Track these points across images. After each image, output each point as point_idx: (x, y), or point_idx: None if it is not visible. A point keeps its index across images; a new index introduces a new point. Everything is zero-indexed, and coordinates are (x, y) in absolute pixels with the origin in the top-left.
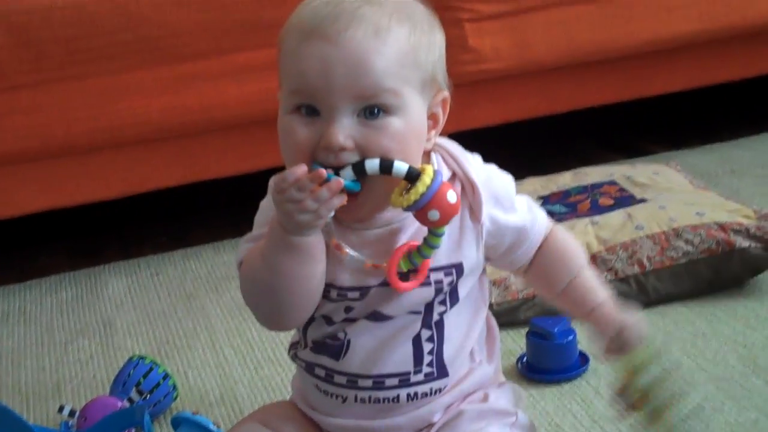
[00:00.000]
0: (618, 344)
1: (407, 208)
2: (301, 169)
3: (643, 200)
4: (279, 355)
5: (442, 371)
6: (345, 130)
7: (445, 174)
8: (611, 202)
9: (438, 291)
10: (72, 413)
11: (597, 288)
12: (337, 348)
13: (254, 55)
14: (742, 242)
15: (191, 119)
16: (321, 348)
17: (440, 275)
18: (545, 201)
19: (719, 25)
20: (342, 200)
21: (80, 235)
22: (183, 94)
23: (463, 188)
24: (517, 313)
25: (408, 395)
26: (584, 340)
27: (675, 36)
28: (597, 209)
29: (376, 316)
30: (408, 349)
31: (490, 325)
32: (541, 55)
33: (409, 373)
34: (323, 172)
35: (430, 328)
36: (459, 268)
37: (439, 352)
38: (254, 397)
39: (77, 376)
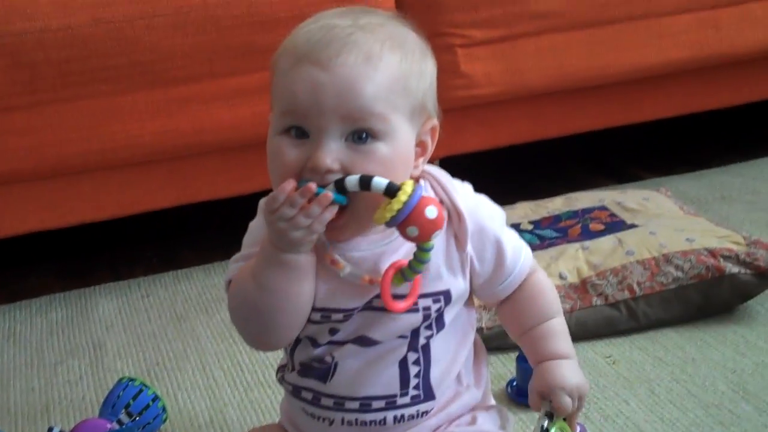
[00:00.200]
0: (540, 406)
1: (387, 224)
2: (290, 185)
3: (633, 226)
4: (269, 377)
5: (428, 394)
6: (332, 153)
7: None
8: (602, 227)
9: (426, 317)
10: None
11: (558, 342)
12: (324, 371)
13: (246, 79)
14: (732, 268)
15: (183, 142)
16: (308, 371)
17: (428, 302)
18: (536, 226)
19: (709, 52)
20: (332, 213)
21: (71, 256)
22: (175, 117)
23: (449, 216)
24: (507, 338)
25: (395, 417)
26: None
27: (665, 63)
28: (587, 234)
29: (364, 341)
30: (395, 371)
31: (478, 349)
32: (533, 81)
33: (395, 396)
34: (313, 186)
35: (416, 351)
36: (447, 295)
37: (425, 375)
38: (244, 420)
39: (66, 398)
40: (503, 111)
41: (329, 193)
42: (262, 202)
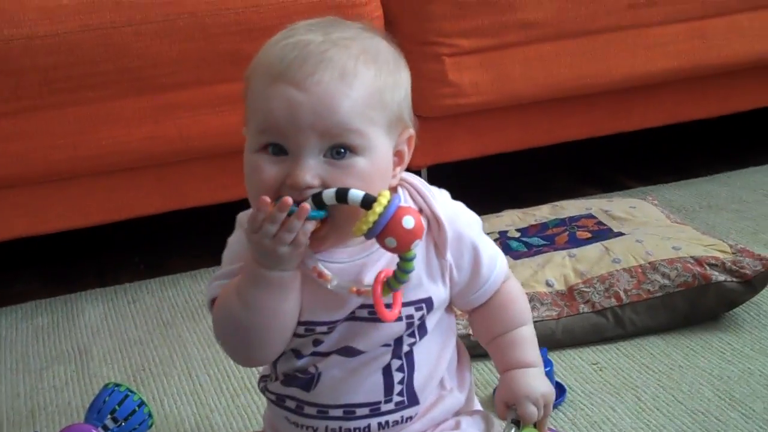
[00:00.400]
0: (505, 415)
1: (365, 236)
2: (266, 201)
3: (620, 234)
4: (255, 383)
5: (412, 399)
6: (312, 170)
7: None
8: (589, 235)
9: (409, 325)
10: None
11: (524, 350)
12: (307, 380)
13: (234, 86)
14: (719, 276)
15: (171, 148)
16: (291, 380)
17: (411, 310)
18: (523, 233)
19: (696, 62)
20: (314, 224)
21: (57, 262)
22: (163, 124)
23: (428, 224)
24: None
25: (379, 424)
26: (560, 371)
27: (653, 73)
28: (574, 242)
29: (348, 351)
30: (378, 378)
31: (461, 354)
32: (520, 90)
33: (379, 403)
34: (289, 199)
35: (400, 358)
36: (429, 303)
37: (409, 381)
38: (230, 426)
39: (52, 403)
40: (491, 120)
41: (306, 205)
42: (240, 216)
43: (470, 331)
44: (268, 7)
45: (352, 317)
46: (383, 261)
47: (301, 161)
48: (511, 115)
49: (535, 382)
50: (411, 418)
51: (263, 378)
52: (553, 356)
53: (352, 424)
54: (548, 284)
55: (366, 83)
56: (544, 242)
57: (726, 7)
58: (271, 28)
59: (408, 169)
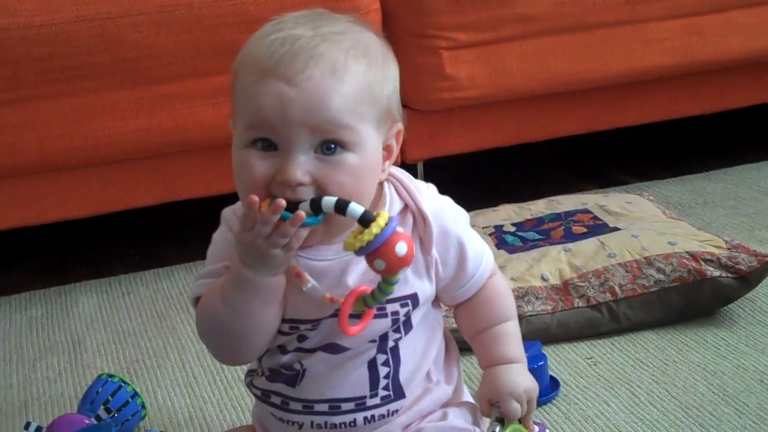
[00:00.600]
0: (489, 412)
1: (356, 253)
2: (254, 200)
3: (616, 229)
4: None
5: (398, 393)
6: (302, 166)
7: (397, 206)
8: (584, 230)
9: (394, 322)
10: (38, 430)
11: (508, 346)
12: (292, 376)
13: (230, 78)
14: (714, 272)
15: (166, 140)
16: (276, 376)
17: (396, 306)
18: (519, 227)
19: (693, 58)
20: (307, 231)
21: (51, 253)
22: (158, 115)
23: (414, 220)
24: None
25: (365, 418)
26: (554, 365)
27: (649, 68)
28: (570, 237)
29: (334, 348)
30: (364, 373)
31: (449, 347)
32: (517, 84)
33: (365, 397)
34: (282, 201)
35: (385, 353)
36: (414, 299)
37: (395, 376)
38: (223, 418)
39: (45, 394)
40: (488, 114)
41: (302, 213)
42: (224, 212)
43: None
44: None
45: (336, 314)
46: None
47: (292, 157)
48: (508, 109)
49: (518, 378)
50: (397, 411)
51: (250, 373)
52: (547, 350)
53: (338, 419)
54: (543, 278)
55: (356, 78)
56: (540, 237)
57: (722, 3)
58: (267, 19)
59: (404, 163)
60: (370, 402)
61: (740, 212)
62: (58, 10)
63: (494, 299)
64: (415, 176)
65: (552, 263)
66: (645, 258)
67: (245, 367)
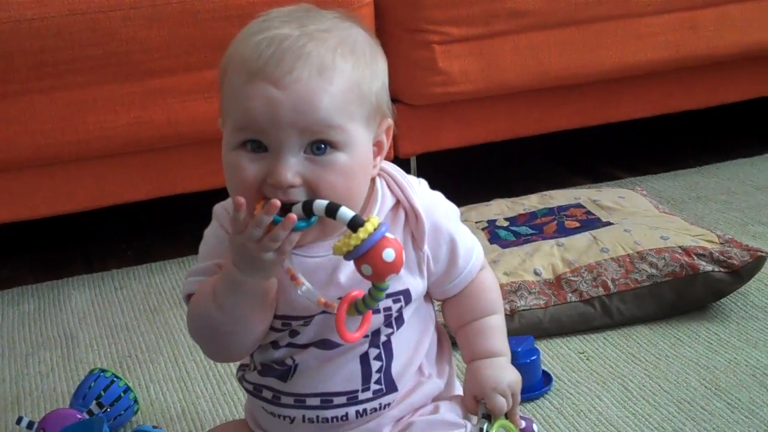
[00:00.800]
0: (476, 409)
1: (344, 257)
2: (241, 201)
3: (608, 223)
4: None
5: (390, 387)
6: (293, 168)
7: (389, 201)
8: (577, 224)
9: (387, 317)
10: (30, 425)
11: (492, 339)
12: (283, 371)
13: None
14: (706, 266)
15: (159, 134)
16: (268, 371)
17: (389, 303)
18: (512, 222)
19: (686, 53)
20: (299, 235)
21: (44, 247)
22: (150, 110)
23: (406, 216)
24: None
25: (357, 412)
26: (547, 359)
27: (643, 63)
28: (563, 231)
29: (326, 344)
30: (356, 367)
31: (441, 340)
32: (510, 79)
33: (357, 391)
34: (277, 202)
35: (378, 347)
36: (406, 295)
37: (387, 370)
38: (216, 412)
39: (37, 389)
40: (480, 108)
41: (293, 216)
42: (216, 208)
43: None
44: None
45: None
46: None
47: (282, 159)
48: (501, 104)
49: (502, 373)
50: (389, 405)
51: (242, 367)
52: (540, 345)
53: (330, 413)
54: (536, 273)
55: (344, 77)
56: (533, 231)
57: None
58: (259, 13)
59: (397, 158)
60: (362, 396)
61: (733, 207)
62: (49, 4)
63: (481, 293)
64: (408, 171)
65: (545, 258)
66: (638, 252)
67: (237, 362)
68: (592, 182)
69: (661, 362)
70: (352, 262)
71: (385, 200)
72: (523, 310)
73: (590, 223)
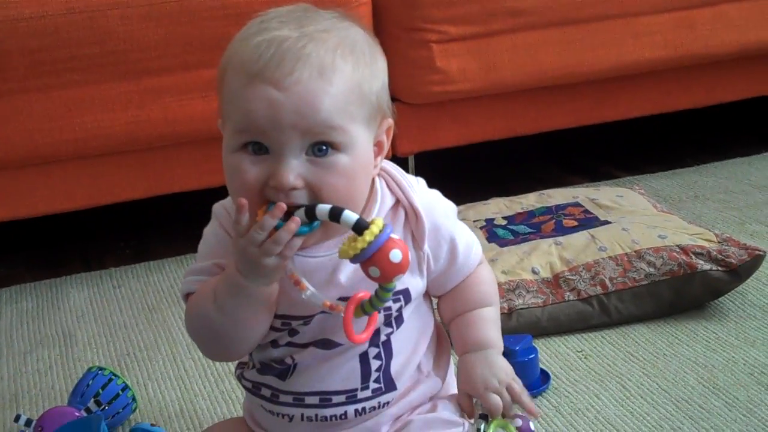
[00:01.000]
0: (472, 409)
1: (351, 261)
2: (243, 203)
3: (606, 222)
4: None
5: (389, 385)
6: (294, 170)
7: (389, 201)
8: (575, 223)
9: (387, 317)
10: (28, 423)
11: (484, 329)
12: (283, 370)
13: (216, 76)
14: (704, 265)
15: (156, 133)
16: (267, 369)
17: (389, 302)
18: (510, 221)
19: (684, 52)
20: (301, 240)
21: (42, 246)
22: (148, 108)
23: (406, 215)
24: None
25: (356, 411)
26: (545, 358)
27: (640, 62)
28: (561, 230)
29: (327, 344)
30: (355, 366)
31: (440, 339)
32: (508, 78)
33: (356, 390)
34: (283, 205)
35: (377, 346)
36: (406, 295)
37: (386, 368)
38: (214, 410)
39: (36, 387)
40: (478, 107)
41: (296, 219)
42: (215, 207)
43: None
44: None
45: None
46: None
47: (284, 161)
48: (499, 103)
49: (493, 369)
50: (388, 403)
51: (240, 365)
52: (538, 343)
53: (329, 412)
54: (534, 272)
55: (345, 77)
56: (531, 230)
57: None
58: (257, 12)
59: (395, 157)
60: (361, 395)
61: (731, 206)
62: (47, 3)
63: (475, 285)
64: (406, 170)
65: (543, 256)
66: (636, 251)
67: (236, 361)
68: (590, 181)
69: (659, 361)
70: (351, 265)
71: (384, 200)
72: (521, 308)
73: (588, 221)
